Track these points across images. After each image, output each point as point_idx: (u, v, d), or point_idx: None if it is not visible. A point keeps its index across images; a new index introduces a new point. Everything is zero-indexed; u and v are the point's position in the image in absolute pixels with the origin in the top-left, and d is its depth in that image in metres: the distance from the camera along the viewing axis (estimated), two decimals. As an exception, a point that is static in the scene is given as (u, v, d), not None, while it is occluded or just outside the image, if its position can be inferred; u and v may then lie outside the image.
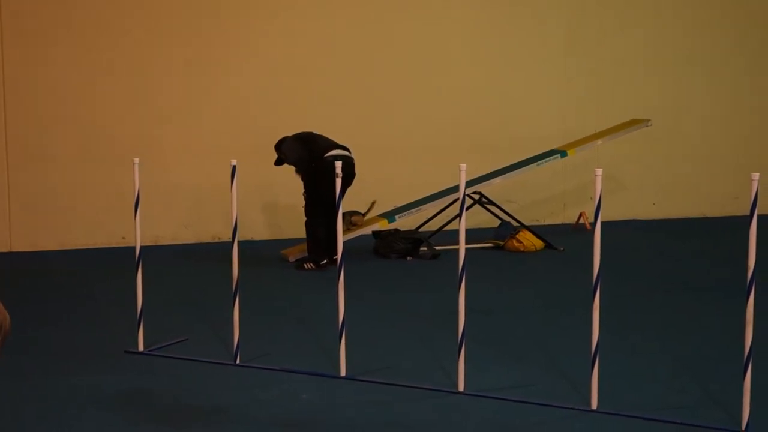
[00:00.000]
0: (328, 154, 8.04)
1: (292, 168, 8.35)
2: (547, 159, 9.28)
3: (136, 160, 5.45)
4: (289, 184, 8.66)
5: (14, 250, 9.06)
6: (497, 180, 9.10)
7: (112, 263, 8.46)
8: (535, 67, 10.52)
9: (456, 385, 4.84)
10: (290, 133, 8.41)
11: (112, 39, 9.24)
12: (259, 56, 9.64)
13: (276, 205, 9.75)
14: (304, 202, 8.30)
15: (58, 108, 9.16)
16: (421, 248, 8.73)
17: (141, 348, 5.56)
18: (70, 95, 9.17)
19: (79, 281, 7.84)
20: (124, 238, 9.06)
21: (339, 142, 8.30)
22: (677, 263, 8.62)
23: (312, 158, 8.15)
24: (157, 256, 8.31)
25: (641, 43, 10.85)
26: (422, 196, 9.09)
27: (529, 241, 9.03)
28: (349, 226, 8.47)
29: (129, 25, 9.29)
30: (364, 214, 8.67)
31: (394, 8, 10.04)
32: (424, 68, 10.14)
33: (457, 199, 4.86)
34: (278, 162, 8.42)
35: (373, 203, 8.69)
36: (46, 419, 4.54)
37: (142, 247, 5.58)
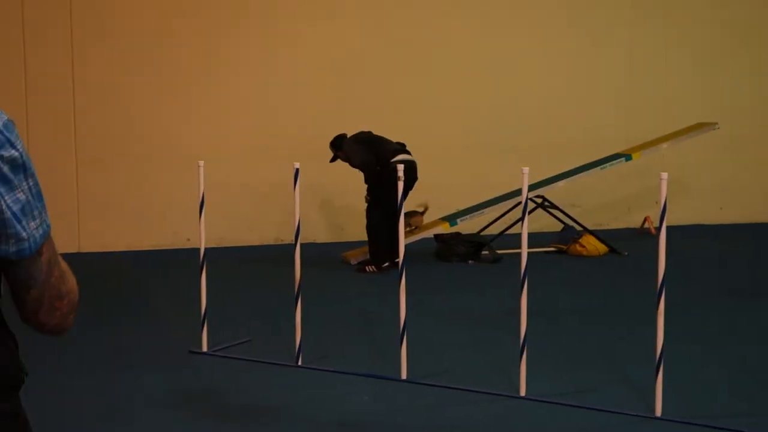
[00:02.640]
0: (393, 160, 8.02)
1: (352, 169, 8.37)
2: (612, 162, 9.17)
3: (201, 162, 5.52)
4: (351, 186, 8.69)
5: (82, 250, 9.23)
6: (561, 183, 9.01)
7: (177, 264, 8.57)
8: (600, 69, 10.41)
9: (517, 389, 4.81)
10: (349, 132, 8.44)
11: (177, 43, 9.37)
12: (321, 58, 9.68)
13: (338, 208, 9.79)
14: (366, 205, 8.32)
15: (126, 112, 9.32)
16: (483, 252, 8.69)
17: (204, 348, 5.63)
18: (137, 99, 9.32)
19: (145, 282, 7.95)
20: (189, 239, 9.17)
21: (401, 143, 8.31)
22: (744, 269, 8.46)
23: (378, 163, 8.16)
24: (221, 257, 8.40)
25: (708, 45, 10.68)
26: (484, 200, 9.05)
27: (592, 245, 8.94)
28: (408, 227, 8.47)
29: (194, 28, 9.41)
30: (422, 213, 8.65)
31: (458, 7, 10.01)
32: (486, 70, 10.10)
33: (520, 202, 4.83)
34: (333, 159, 8.44)
35: (426, 207, 8.64)
36: (109, 417, 4.61)
37: (206, 248, 5.65)
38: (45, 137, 9.05)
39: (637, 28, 10.47)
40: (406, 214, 8.19)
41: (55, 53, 9.08)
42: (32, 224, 1.69)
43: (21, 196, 1.66)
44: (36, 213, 1.70)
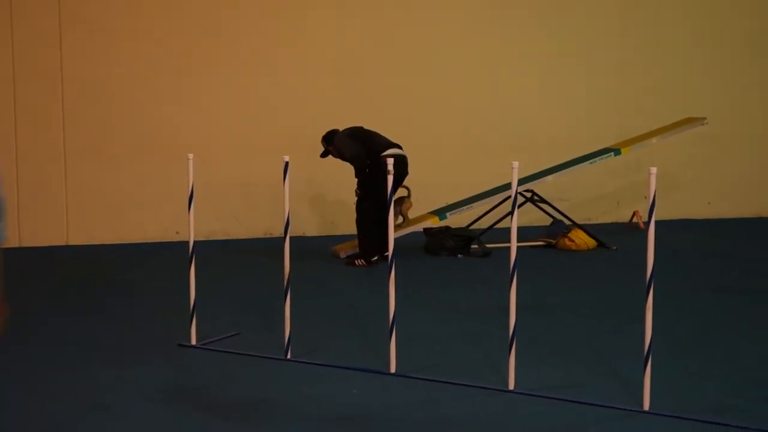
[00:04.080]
0: (384, 153, 8.02)
1: (343, 164, 8.36)
2: (601, 157, 9.19)
3: (190, 155, 5.51)
4: (341, 180, 8.69)
5: (71, 243, 9.21)
6: (550, 178, 9.03)
7: (167, 257, 8.55)
8: (589, 65, 10.43)
9: (506, 383, 4.82)
10: (341, 128, 8.43)
11: (166, 37, 9.35)
12: (312, 55, 9.68)
13: (327, 202, 9.79)
14: (356, 199, 8.31)
15: (115, 105, 9.29)
16: (472, 246, 8.70)
17: (193, 341, 5.62)
18: (127, 92, 9.30)
19: (134, 275, 7.94)
20: (178, 232, 9.16)
21: (392, 139, 8.31)
22: (731, 264, 8.49)
23: (368, 157, 8.15)
24: (210, 250, 8.39)
25: (697, 41, 10.71)
26: (474, 194, 9.06)
27: (581, 239, 8.96)
28: (399, 215, 8.45)
29: (183, 23, 9.39)
30: (408, 196, 8.53)
31: (446, 8, 10.01)
32: (480, 69, 10.11)
33: (509, 196, 4.84)
34: (324, 154, 8.44)
35: (408, 191, 8.52)
36: (97, 410, 4.59)
37: (195, 241, 5.64)
38: (34, 130, 9.02)
39: (626, 24, 10.48)
40: (395, 201, 8.20)
41: (43, 46, 9.05)
42: None
43: None
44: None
